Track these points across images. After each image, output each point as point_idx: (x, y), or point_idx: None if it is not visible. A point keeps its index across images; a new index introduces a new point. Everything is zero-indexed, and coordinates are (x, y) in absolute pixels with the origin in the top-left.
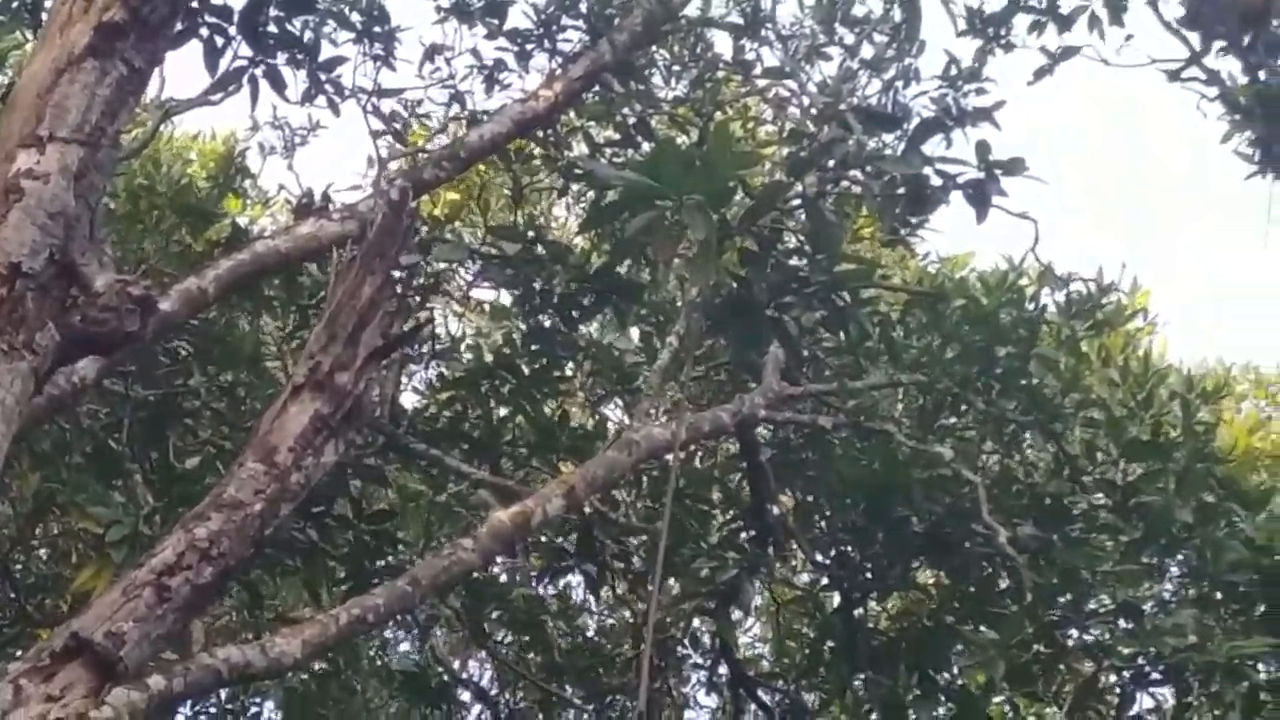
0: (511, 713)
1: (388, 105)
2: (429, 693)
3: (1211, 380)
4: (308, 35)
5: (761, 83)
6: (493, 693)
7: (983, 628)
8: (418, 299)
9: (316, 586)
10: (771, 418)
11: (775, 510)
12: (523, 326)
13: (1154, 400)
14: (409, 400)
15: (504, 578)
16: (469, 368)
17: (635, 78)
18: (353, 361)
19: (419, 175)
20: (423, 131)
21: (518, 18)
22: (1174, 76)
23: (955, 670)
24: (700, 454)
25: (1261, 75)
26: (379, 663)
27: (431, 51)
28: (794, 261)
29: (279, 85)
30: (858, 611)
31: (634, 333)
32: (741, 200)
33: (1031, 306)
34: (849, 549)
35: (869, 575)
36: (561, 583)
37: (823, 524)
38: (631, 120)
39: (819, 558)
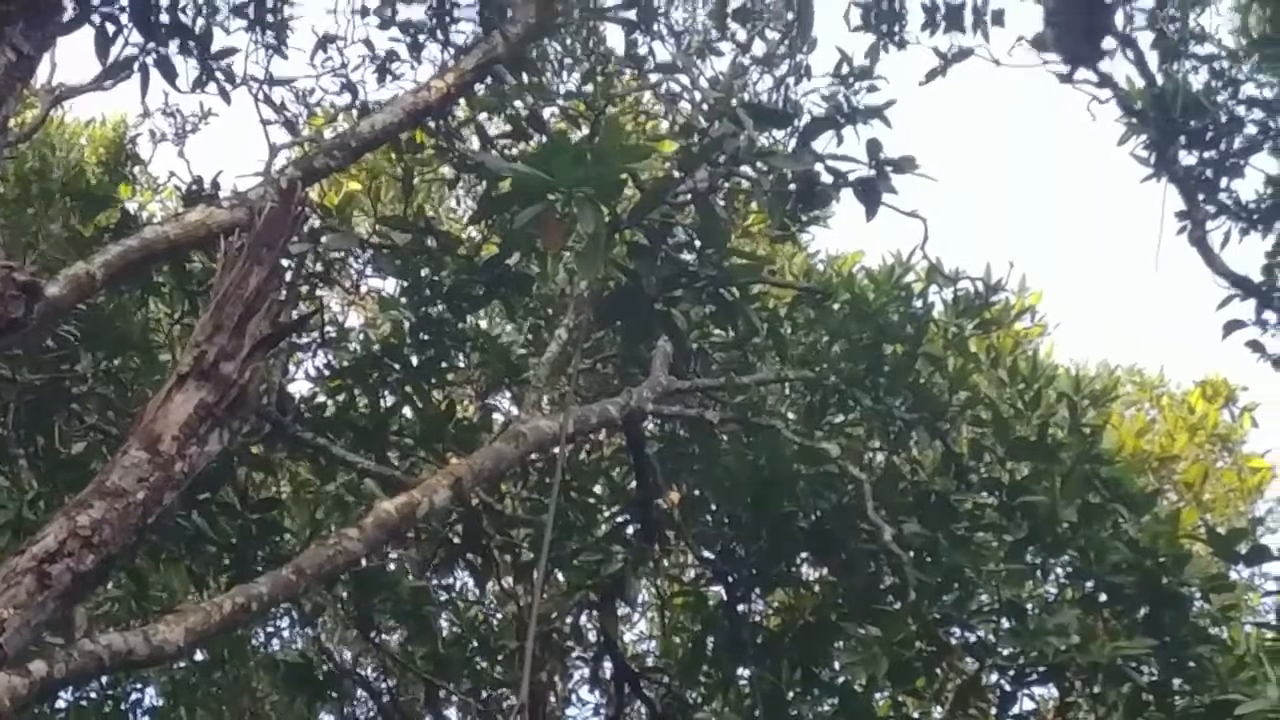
0: (396, 704)
1: (280, 95)
2: (314, 683)
3: (1100, 382)
4: (199, 23)
5: (654, 77)
6: (378, 684)
7: (866, 625)
8: (307, 288)
9: (201, 574)
10: (659, 411)
11: (661, 504)
12: (412, 317)
13: (1041, 401)
14: (298, 389)
15: (392, 568)
16: (357, 357)
17: (528, 70)
18: (239, 350)
19: (309, 164)
20: (318, 121)
21: (411, 8)
22: (1065, 79)
23: (838, 666)
24: (587, 447)
25: (1158, 78)
26: (265, 652)
27: (324, 41)
28: (683, 256)
29: (170, 73)
30: (742, 607)
31: (523, 325)
32: (632, 194)
33: (919, 304)
34: (734, 544)
35: (754, 571)
36: (448, 575)
37: (708, 519)
38: (523, 113)
39: (704, 553)
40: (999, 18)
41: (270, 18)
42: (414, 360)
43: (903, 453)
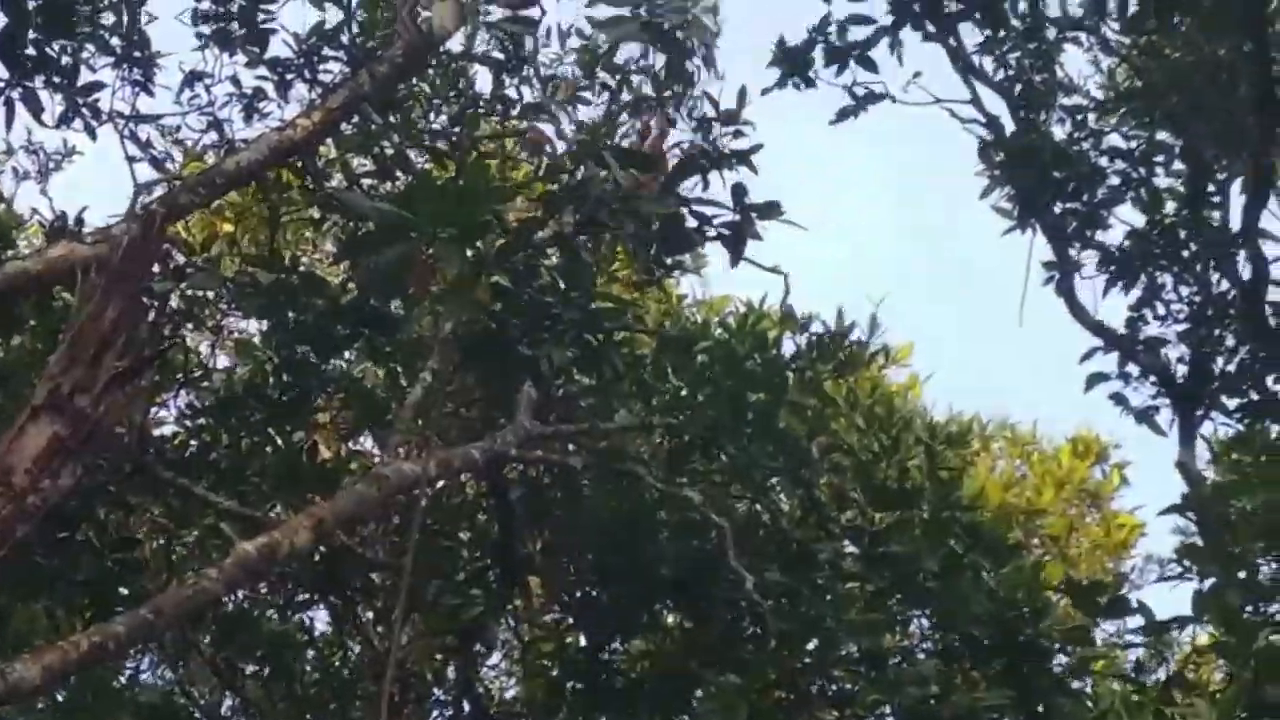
0: None
1: (146, 131)
2: None
3: (955, 426)
4: (65, 59)
5: (520, 121)
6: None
7: (727, 672)
8: (171, 326)
9: (58, 614)
10: (523, 456)
11: (524, 549)
12: (275, 357)
13: (901, 446)
14: (164, 428)
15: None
16: (219, 397)
17: (395, 109)
18: (94, 384)
19: (174, 200)
20: (193, 166)
21: (279, 46)
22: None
23: (697, 714)
24: (450, 491)
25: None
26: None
27: (191, 78)
28: (548, 299)
29: (35, 108)
30: (602, 654)
31: (387, 367)
32: (497, 236)
33: (775, 351)
34: (596, 590)
35: (615, 617)
36: (308, 616)
37: (570, 564)
38: (389, 152)
39: (565, 598)
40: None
41: (137, 54)
42: (277, 399)
43: (765, 501)
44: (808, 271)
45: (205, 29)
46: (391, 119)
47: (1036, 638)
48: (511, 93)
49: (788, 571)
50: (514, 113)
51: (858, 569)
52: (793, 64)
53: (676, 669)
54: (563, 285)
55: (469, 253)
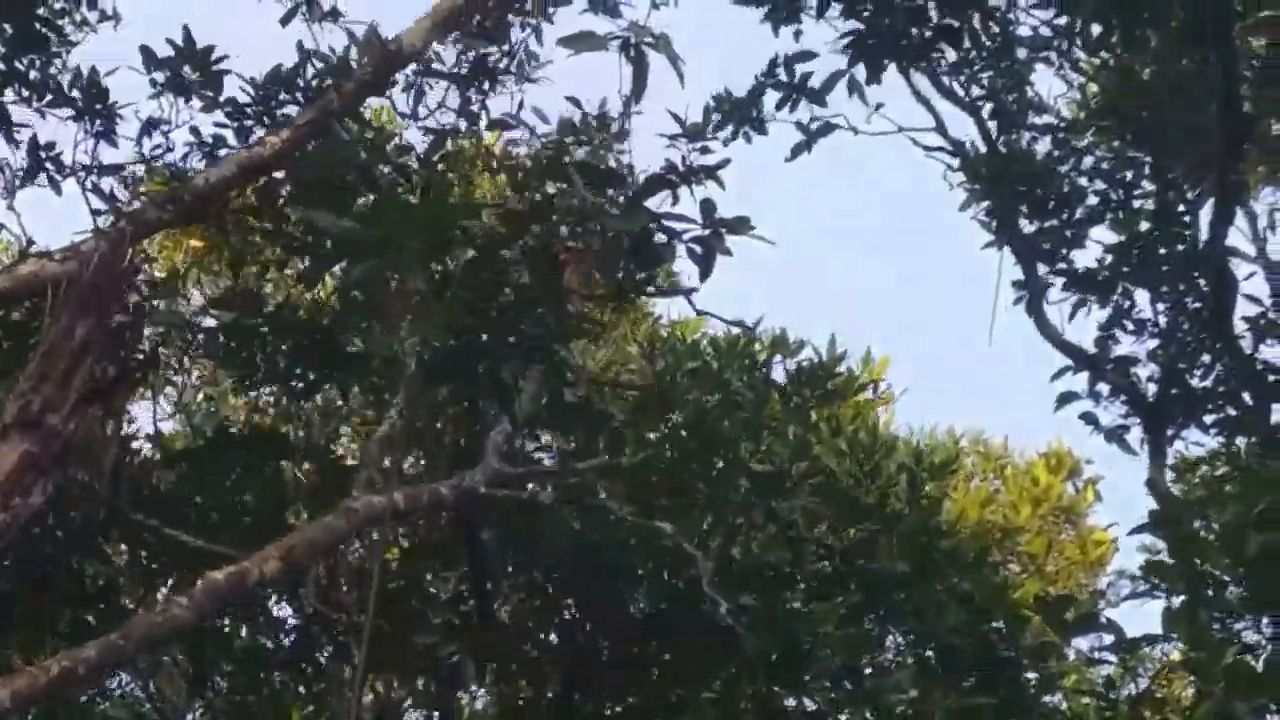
0: None
1: (108, 183)
2: None
3: (940, 454)
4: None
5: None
6: None
7: (704, 693)
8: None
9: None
10: (492, 494)
11: (498, 588)
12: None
13: (881, 472)
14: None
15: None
16: (190, 443)
17: (362, 126)
18: (64, 402)
19: (143, 217)
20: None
21: (236, 89)
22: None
23: None
24: (422, 531)
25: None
26: (98, 709)
27: (149, 126)
28: (515, 315)
29: None
30: (577, 693)
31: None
32: (463, 252)
33: (764, 373)
34: (572, 627)
35: (591, 652)
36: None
37: (545, 598)
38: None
39: (541, 635)
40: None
41: (98, 106)
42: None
43: (737, 529)
44: (769, 287)
45: (159, 75)
46: (358, 134)
47: (1008, 650)
48: (477, 107)
49: (763, 595)
50: (481, 124)
51: (830, 589)
52: (743, 115)
53: (655, 696)
54: (529, 301)
55: (435, 269)
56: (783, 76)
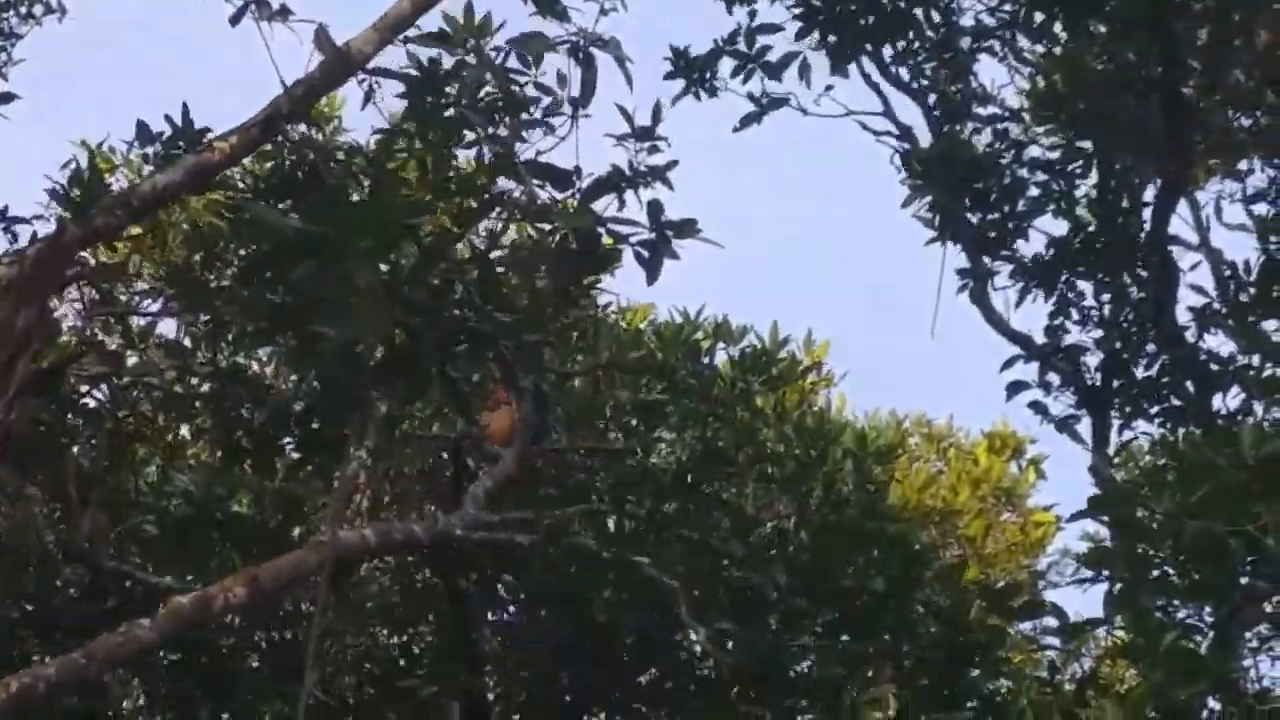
0: None
1: None
2: None
3: (885, 438)
4: None
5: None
6: None
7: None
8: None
9: None
10: (467, 537)
11: (480, 632)
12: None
13: (828, 457)
14: None
15: None
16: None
17: (311, 126)
18: (4, 392)
19: (90, 223)
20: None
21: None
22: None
23: None
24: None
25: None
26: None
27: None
28: (462, 313)
29: None
30: None
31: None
32: (412, 251)
33: (707, 361)
34: (556, 663)
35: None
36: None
37: (528, 640)
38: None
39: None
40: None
41: None
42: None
43: (712, 555)
44: (712, 271)
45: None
46: (307, 134)
47: (990, 663)
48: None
49: (739, 618)
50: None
51: (805, 606)
52: (695, 71)
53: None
54: (478, 300)
55: (383, 267)
56: (742, 46)
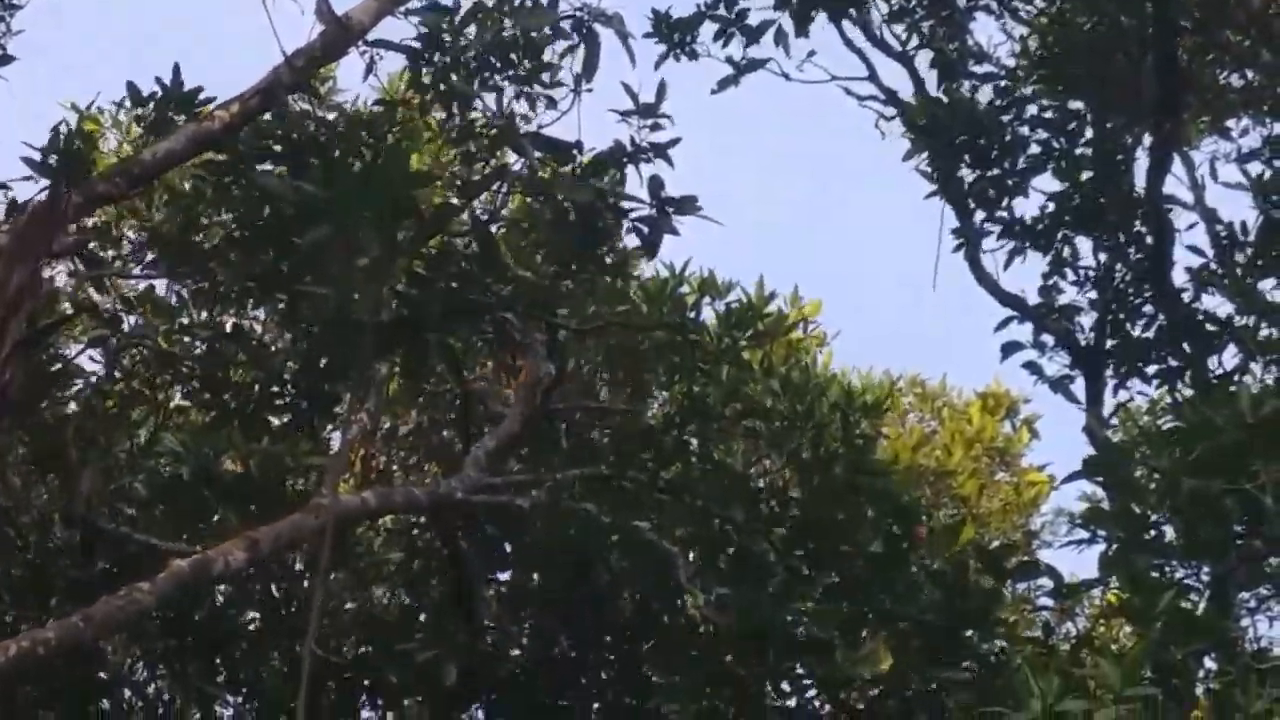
0: (168, 711)
1: None
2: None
3: (873, 393)
4: None
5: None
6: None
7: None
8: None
9: None
10: (469, 500)
11: (480, 594)
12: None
13: (815, 412)
14: None
15: None
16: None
17: (313, 97)
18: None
19: (92, 189)
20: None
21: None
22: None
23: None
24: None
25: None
26: None
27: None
28: (463, 283)
29: None
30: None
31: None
32: (414, 221)
33: (693, 316)
34: (556, 626)
35: (577, 650)
36: None
37: (528, 603)
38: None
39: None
40: (804, 28)
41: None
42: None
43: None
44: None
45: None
46: (309, 106)
47: (986, 624)
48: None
49: (736, 582)
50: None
51: (802, 569)
52: (676, 34)
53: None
54: (478, 270)
55: (385, 237)
56: (723, 11)
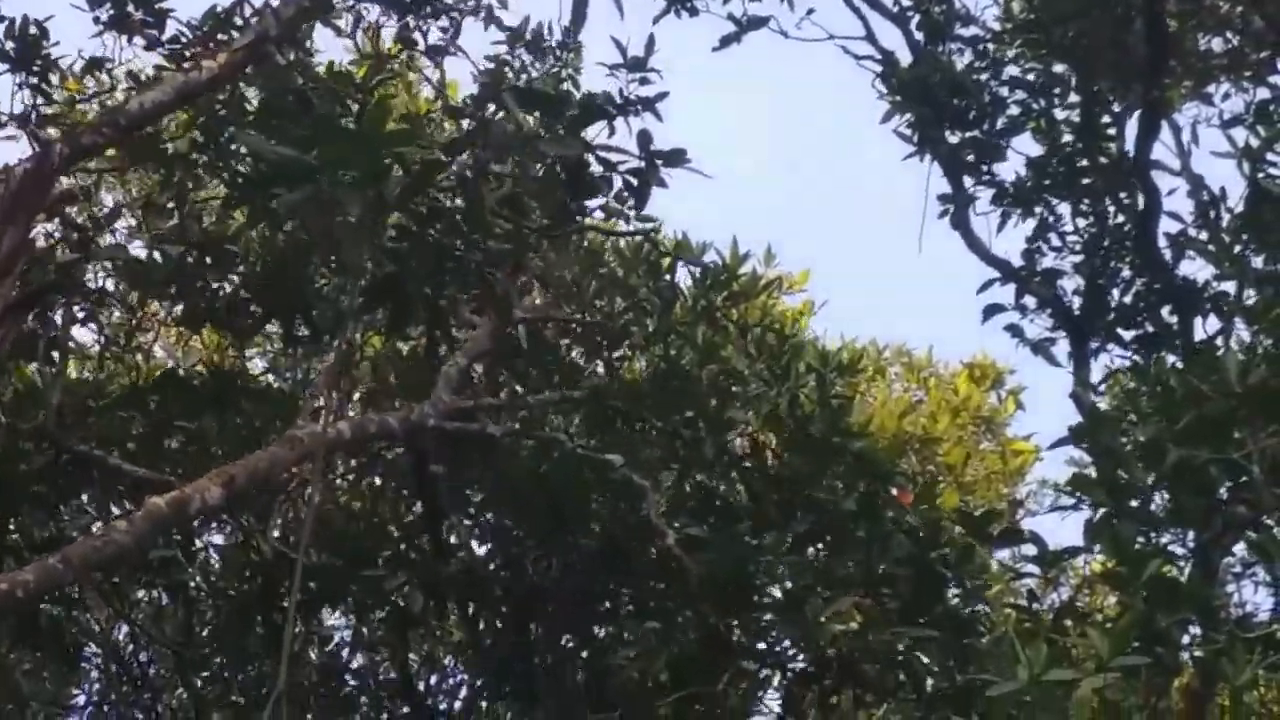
0: (146, 676)
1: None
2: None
3: (846, 354)
4: None
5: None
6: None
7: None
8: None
9: None
10: (442, 426)
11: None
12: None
13: (791, 373)
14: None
15: None
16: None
17: (299, 50)
18: None
19: (77, 140)
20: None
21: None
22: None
23: (617, 663)
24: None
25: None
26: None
27: (90, 66)
28: (449, 240)
29: None
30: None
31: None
32: (399, 178)
33: (669, 278)
34: (524, 557)
35: (545, 583)
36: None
37: (498, 532)
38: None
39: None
40: None
41: (36, 62)
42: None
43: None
44: (697, 199)
45: (102, 14)
46: (296, 58)
47: (959, 579)
48: (415, 34)
49: (712, 526)
50: (418, 49)
51: (777, 516)
52: None
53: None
54: (464, 226)
55: (371, 194)
56: None
